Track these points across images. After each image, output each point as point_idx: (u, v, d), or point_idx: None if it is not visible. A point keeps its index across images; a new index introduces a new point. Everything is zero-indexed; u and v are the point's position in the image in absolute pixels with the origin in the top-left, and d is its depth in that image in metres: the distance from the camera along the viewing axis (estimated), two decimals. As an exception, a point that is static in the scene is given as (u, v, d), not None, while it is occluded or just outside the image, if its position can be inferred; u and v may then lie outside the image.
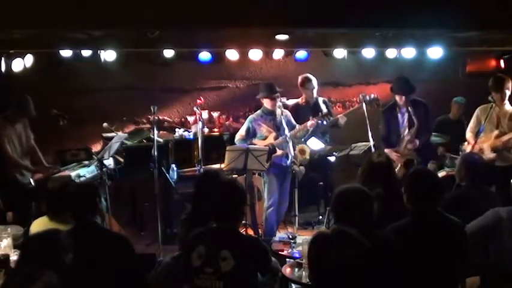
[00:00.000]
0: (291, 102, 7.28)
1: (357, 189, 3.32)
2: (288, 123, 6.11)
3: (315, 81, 6.86)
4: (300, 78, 6.93)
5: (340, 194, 3.28)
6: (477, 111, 6.08)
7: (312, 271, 2.55)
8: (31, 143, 6.15)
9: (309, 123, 6.18)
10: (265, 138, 6.16)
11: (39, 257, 2.75)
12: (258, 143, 6.08)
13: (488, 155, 5.77)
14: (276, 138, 6.11)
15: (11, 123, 5.92)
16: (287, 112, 6.27)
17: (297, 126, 6.22)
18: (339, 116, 6.83)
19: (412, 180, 3.64)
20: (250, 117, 6.30)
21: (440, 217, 3.46)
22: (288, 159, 6.14)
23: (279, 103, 6.10)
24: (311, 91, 6.87)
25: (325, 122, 6.30)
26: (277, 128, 6.14)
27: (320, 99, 7.03)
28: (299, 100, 7.05)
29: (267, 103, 6.15)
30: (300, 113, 6.78)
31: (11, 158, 5.81)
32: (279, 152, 6.09)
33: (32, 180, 5.89)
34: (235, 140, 6.29)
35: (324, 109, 6.75)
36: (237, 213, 3.43)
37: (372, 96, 6.60)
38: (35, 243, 2.88)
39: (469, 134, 6.08)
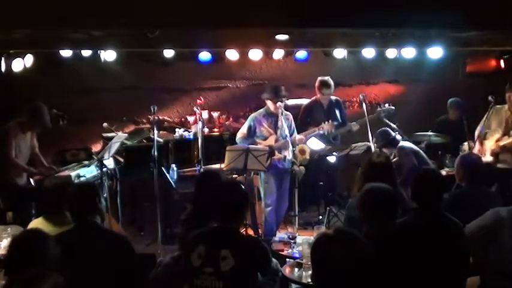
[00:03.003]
0: (291, 102, 7.28)
1: (389, 191, 3.38)
2: (289, 125, 6.12)
3: (332, 88, 6.93)
4: (318, 81, 6.97)
5: (369, 192, 3.30)
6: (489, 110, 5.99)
7: (315, 272, 2.55)
8: (35, 151, 6.13)
9: (298, 137, 6.21)
10: (265, 138, 6.17)
11: (22, 258, 2.76)
12: (260, 143, 6.09)
13: (487, 158, 5.78)
14: (276, 140, 6.12)
15: (22, 131, 5.88)
16: (289, 114, 6.27)
17: (295, 134, 6.25)
18: (352, 124, 6.88)
19: (418, 179, 3.65)
20: (252, 115, 6.31)
21: (441, 217, 3.46)
22: (285, 162, 6.15)
23: (279, 103, 6.10)
24: (327, 96, 6.95)
25: (322, 132, 6.32)
26: (279, 130, 6.15)
27: (333, 99, 7.08)
28: (313, 98, 7.09)
29: (270, 105, 6.15)
30: (313, 112, 6.91)
31: (13, 161, 5.78)
32: (277, 155, 6.09)
33: (32, 180, 5.89)
34: (237, 139, 6.29)
35: (337, 114, 6.92)
36: (239, 214, 3.42)
37: (387, 106, 6.90)
38: (14, 248, 2.88)
39: (477, 132, 6.07)
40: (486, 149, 5.88)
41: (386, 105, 7.03)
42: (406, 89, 8.48)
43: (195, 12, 5.13)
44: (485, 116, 5.98)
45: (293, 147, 6.12)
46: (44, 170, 6.02)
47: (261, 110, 6.29)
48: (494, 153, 5.81)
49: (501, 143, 5.77)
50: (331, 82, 6.94)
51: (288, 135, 6.01)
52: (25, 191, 5.78)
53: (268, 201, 6.20)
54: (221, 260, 3.16)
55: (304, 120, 6.95)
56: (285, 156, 6.14)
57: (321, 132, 6.29)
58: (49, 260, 2.80)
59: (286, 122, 6.05)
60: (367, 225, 3.37)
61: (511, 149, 5.75)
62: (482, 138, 5.93)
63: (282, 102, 6.12)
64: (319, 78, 6.98)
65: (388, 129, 6.22)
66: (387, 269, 2.95)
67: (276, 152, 6.09)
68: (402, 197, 4.27)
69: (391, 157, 5.93)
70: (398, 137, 6.21)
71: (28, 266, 2.64)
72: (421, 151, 6.25)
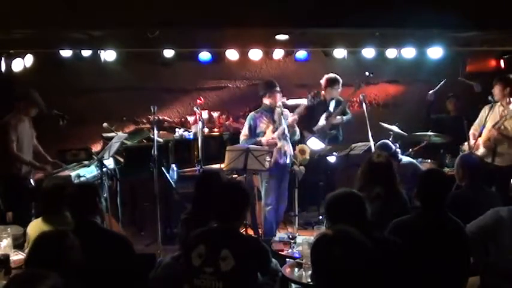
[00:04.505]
0: (291, 102, 7.29)
1: (346, 192, 3.33)
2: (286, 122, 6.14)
3: (341, 82, 6.96)
4: (327, 79, 6.97)
5: (331, 199, 3.28)
6: (482, 110, 6.13)
7: (315, 272, 2.55)
8: (35, 142, 6.13)
9: (290, 119, 6.18)
10: (264, 133, 6.15)
11: (45, 257, 2.76)
12: (263, 141, 6.08)
13: (480, 150, 5.84)
14: (273, 131, 6.11)
15: (21, 118, 5.82)
16: (286, 112, 6.28)
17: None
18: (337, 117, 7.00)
19: (423, 178, 3.66)
20: (251, 114, 6.31)
21: (443, 216, 3.47)
22: (286, 158, 6.15)
23: (279, 97, 6.13)
24: (336, 91, 6.98)
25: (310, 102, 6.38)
26: (276, 122, 6.16)
27: (336, 98, 7.14)
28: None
29: (266, 99, 6.17)
30: (316, 109, 6.99)
31: (15, 154, 5.73)
32: (278, 144, 6.07)
33: (32, 181, 5.87)
34: (241, 141, 6.24)
35: (332, 107, 7.00)
36: (240, 214, 3.43)
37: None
38: (41, 244, 2.88)
39: (471, 131, 6.17)
40: (479, 143, 5.94)
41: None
42: (406, 89, 8.48)
43: (195, 12, 5.13)
44: (479, 118, 6.08)
45: (292, 137, 6.17)
46: (48, 166, 6.00)
47: (258, 109, 6.30)
48: (485, 145, 5.88)
49: (490, 133, 5.85)
50: (339, 77, 6.98)
51: (288, 135, 6.02)
52: (26, 190, 5.75)
53: (268, 200, 6.19)
54: (221, 260, 3.16)
55: (308, 116, 6.99)
56: (285, 151, 6.13)
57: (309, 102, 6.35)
58: (71, 264, 2.81)
59: (284, 118, 6.07)
60: None
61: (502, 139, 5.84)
62: (477, 136, 6.01)
63: (279, 94, 6.15)
64: (326, 76, 6.99)
65: (388, 142, 6.17)
66: (387, 268, 2.95)
67: (278, 141, 6.08)
68: (402, 197, 4.28)
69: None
70: (398, 150, 6.18)
71: (49, 267, 2.63)
72: (419, 165, 6.23)
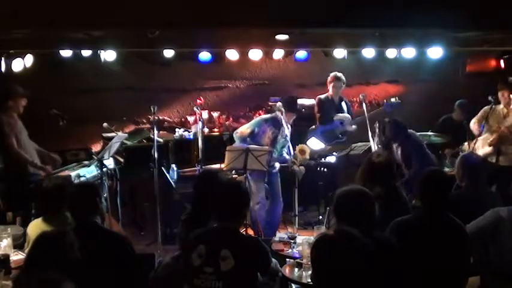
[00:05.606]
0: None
1: (358, 190, 3.33)
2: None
3: (342, 81, 7.04)
4: (330, 76, 7.06)
5: (342, 195, 3.28)
6: (484, 108, 6.14)
7: (315, 272, 2.55)
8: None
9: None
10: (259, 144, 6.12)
11: (46, 256, 2.77)
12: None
13: (484, 150, 5.83)
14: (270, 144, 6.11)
15: (10, 115, 5.71)
16: (290, 130, 6.29)
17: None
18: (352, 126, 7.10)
19: (422, 179, 3.67)
20: (261, 120, 6.24)
21: (444, 217, 3.47)
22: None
23: (293, 118, 6.19)
24: (338, 89, 7.04)
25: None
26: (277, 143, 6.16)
27: (343, 98, 7.22)
28: (325, 95, 7.15)
29: (283, 114, 6.14)
30: (324, 108, 7.04)
31: (16, 151, 5.69)
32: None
33: (42, 174, 5.83)
34: (236, 135, 6.21)
35: (345, 110, 7.11)
36: (239, 214, 3.43)
37: (393, 100, 7.04)
38: (42, 243, 2.89)
39: (473, 125, 6.18)
40: (480, 144, 5.95)
41: (392, 99, 7.07)
42: (406, 89, 8.48)
43: (195, 12, 5.13)
44: (481, 115, 6.10)
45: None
46: (48, 166, 5.95)
47: (268, 116, 6.25)
48: (491, 143, 5.89)
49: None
50: (343, 77, 7.05)
51: (289, 140, 6.06)
52: (26, 190, 5.73)
53: (259, 198, 6.14)
54: (221, 260, 3.17)
55: (318, 112, 7.07)
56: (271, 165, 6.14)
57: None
58: (71, 263, 2.81)
59: (288, 130, 6.09)
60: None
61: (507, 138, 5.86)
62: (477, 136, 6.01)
63: (295, 115, 6.23)
64: (332, 73, 7.07)
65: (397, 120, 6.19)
66: (388, 270, 2.95)
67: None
68: (402, 196, 4.28)
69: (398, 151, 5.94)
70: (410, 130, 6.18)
71: (50, 266, 2.63)
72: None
